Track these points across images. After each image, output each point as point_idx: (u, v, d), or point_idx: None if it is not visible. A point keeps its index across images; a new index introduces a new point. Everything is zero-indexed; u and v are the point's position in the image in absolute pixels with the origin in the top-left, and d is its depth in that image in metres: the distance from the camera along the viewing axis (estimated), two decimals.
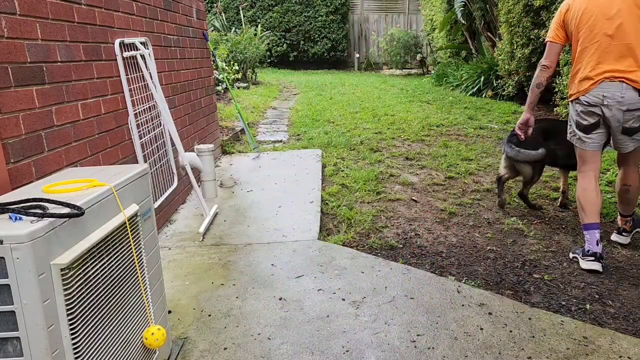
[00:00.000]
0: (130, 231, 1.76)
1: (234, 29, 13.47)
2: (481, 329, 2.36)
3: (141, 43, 3.34)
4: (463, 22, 11.27)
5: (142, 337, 1.83)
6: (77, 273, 1.45)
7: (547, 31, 6.49)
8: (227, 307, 2.58)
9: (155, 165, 3.52)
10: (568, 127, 3.20)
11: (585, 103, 2.97)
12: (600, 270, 2.93)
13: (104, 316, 1.58)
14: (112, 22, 2.98)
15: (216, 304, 2.61)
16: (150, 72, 3.39)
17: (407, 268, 2.98)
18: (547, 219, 3.80)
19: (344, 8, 17.41)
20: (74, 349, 1.43)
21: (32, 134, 2.14)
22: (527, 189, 3.98)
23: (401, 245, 3.39)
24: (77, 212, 1.42)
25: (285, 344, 2.26)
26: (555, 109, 7.13)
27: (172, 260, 3.13)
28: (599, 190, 3.05)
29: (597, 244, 2.94)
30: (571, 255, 3.15)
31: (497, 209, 4.01)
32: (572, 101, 3.09)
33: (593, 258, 2.95)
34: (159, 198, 3.49)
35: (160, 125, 3.67)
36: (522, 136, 3.49)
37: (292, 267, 2.99)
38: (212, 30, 12.72)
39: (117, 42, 3.00)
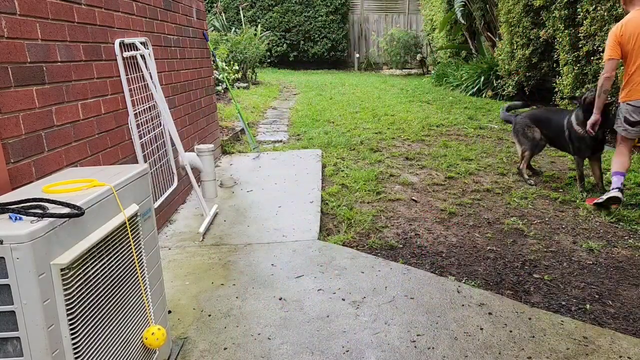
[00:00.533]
0: (130, 231, 1.76)
1: (234, 29, 13.48)
2: (481, 329, 2.36)
3: (141, 43, 3.35)
4: (463, 22, 11.27)
5: (142, 337, 1.83)
6: (77, 273, 1.45)
7: (546, 31, 6.93)
8: (227, 307, 2.58)
9: (155, 165, 3.52)
10: (616, 120, 4.06)
11: (636, 106, 3.85)
12: (622, 198, 3.88)
13: (104, 316, 1.58)
14: (112, 22, 2.98)
15: (216, 304, 2.61)
16: (150, 72, 3.39)
17: (407, 268, 2.98)
18: (547, 219, 3.81)
19: (344, 8, 17.41)
20: (74, 349, 1.43)
21: (32, 134, 2.14)
22: (523, 164, 4.75)
23: (401, 245, 3.39)
24: (77, 212, 1.42)
25: (285, 344, 2.26)
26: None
27: (172, 260, 3.13)
28: (630, 158, 4.14)
29: (621, 184, 3.94)
30: (605, 197, 3.96)
31: (497, 209, 4.01)
32: (623, 102, 3.94)
33: (618, 189, 3.90)
34: (159, 198, 3.49)
35: (160, 125, 3.67)
36: (593, 133, 4.16)
37: (292, 267, 2.99)
38: (212, 30, 12.72)
39: (117, 42, 3.00)
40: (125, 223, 1.72)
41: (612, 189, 3.93)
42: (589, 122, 4.09)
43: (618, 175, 4.01)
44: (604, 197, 3.90)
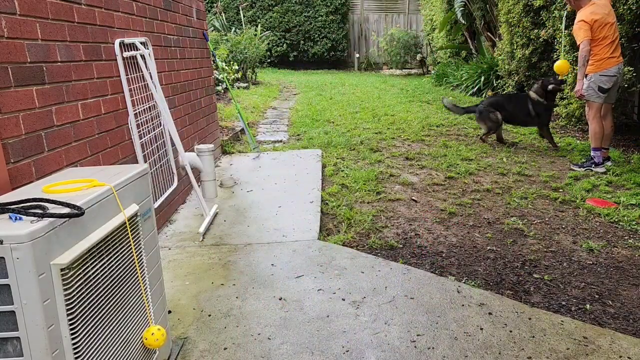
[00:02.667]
0: (130, 231, 1.76)
1: (234, 29, 13.47)
2: (481, 329, 2.36)
3: (141, 43, 3.34)
4: (463, 22, 11.26)
5: (142, 337, 1.83)
6: (77, 273, 1.45)
7: (546, 31, 7.17)
8: (227, 307, 2.58)
9: (155, 165, 3.52)
10: (588, 91, 4.93)
11: (609, 75, 4.83)
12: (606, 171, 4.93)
13: (104, 316, 1.58)
14: (112, 22, 2.98)
15: (216, 304, 2.61)
16: (150, 72, 3.38)
17: (407, 268, 2.98)
18: (547, 219, 3.81)
19: (344, 8, 17.41)
20: (74, 349, 1.43)
21: (32, 134, 2.14)
22: (485, 136, 6.16)
23: (401, 245, 3.39)
24: (77, 212, 1.42)
25: (285, 344, 2.26)
26: (554, 108, 7.13)
27: (172, 260, 3.13)
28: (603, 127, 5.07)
29: (601, 159, 4.98)
30: (582, 170, 4.97)
31: (497, 209, 4.01)
32: (595, 73, 4.83)
33: (602, 165, 4.96)
34: (159, 198, 3.49)
35: (160, 125, 3.67)
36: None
37: (292, 267, 2.99)
38: (212, 30, 12.72)
39: (117, 42, 3.00)
40: (125, 223, 1.72)
41: (599, 165, 4.98)
42: (577, 89, 4.98)
43: (598, 151, 5.01)
44: (600, 170, 4.96)
